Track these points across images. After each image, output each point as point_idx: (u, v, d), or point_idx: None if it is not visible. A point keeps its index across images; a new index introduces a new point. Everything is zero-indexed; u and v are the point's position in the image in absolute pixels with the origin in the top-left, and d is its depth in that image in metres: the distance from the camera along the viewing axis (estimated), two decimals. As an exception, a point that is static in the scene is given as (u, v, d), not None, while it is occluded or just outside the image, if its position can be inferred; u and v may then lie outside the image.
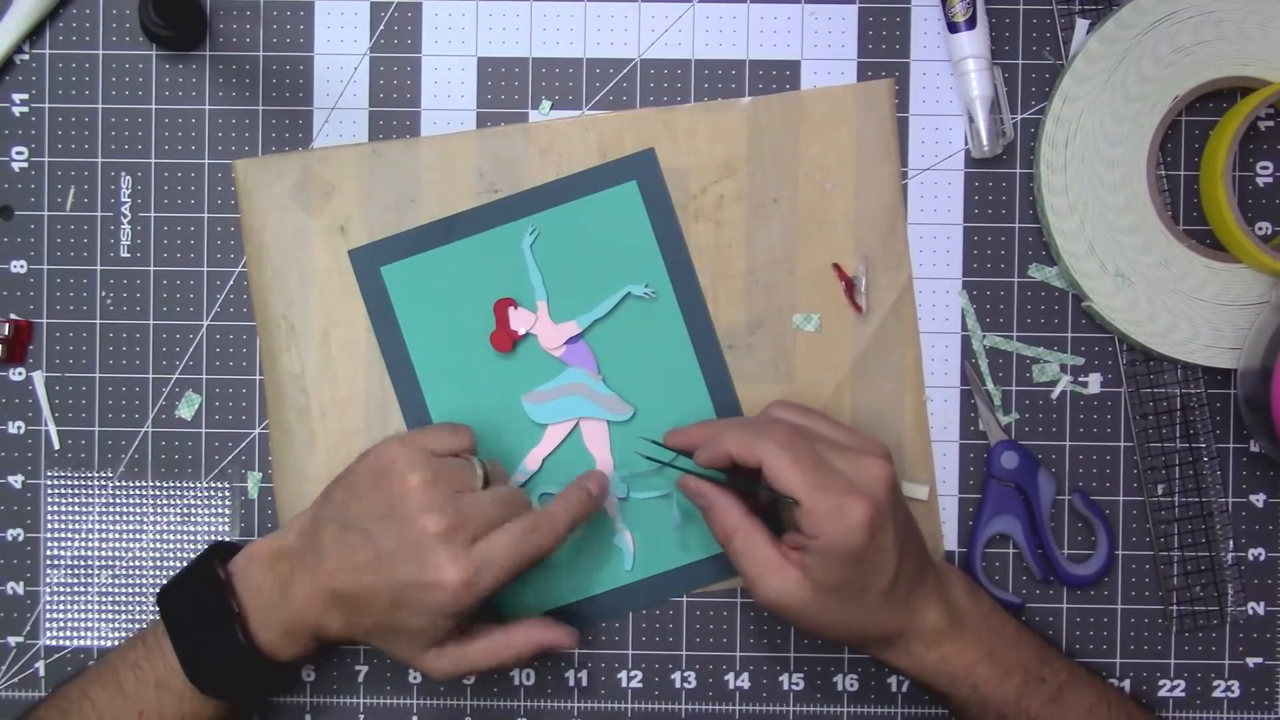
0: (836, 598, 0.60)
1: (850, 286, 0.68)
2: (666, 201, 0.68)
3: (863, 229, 0.68)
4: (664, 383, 0.68)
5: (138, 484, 0.69)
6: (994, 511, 0.68)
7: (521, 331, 0.68)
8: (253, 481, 0.69)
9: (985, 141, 0.67)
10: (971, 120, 0.67)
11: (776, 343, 0.68)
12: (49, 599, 0.70)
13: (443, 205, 0.68)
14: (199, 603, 0.62)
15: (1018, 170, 0.69)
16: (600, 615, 0.69)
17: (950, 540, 0.69)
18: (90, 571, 0.69)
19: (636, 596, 0.69)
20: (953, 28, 0.67)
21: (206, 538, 0.69)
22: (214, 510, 0.69)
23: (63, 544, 0.69)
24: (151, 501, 0.69)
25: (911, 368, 0.68)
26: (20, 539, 0.69)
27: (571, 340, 0.68)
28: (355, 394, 0.69)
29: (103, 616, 0.70)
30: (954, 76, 0.68)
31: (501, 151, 0.68)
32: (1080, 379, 0.69)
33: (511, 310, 0.68)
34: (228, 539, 0.69)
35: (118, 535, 0.69)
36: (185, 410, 0.69)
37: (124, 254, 0.70)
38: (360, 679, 0.70)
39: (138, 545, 0.69)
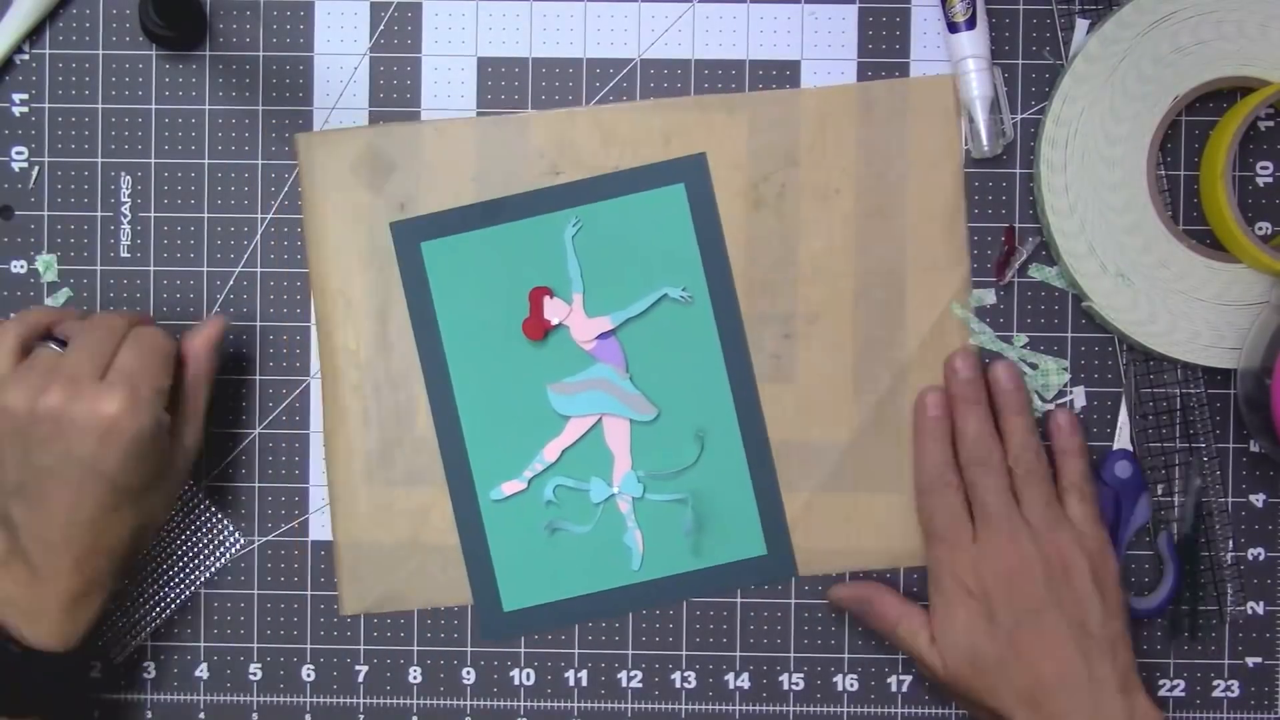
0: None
1: (1011, 253, 0.67)
2: (712, 207, 0.68)
3: (923, 224, 0.68)
4: (690, 387, 0.68)
5: (138, 484, 0.70)
6: None
7: (555, 321, 0.68)
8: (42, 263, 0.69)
9: (985, 141, 0.67)
10: (971, 120, 0.67)
11: (834, 332, 0.68)
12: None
13: (504, 186, 0.68)
14: None
15: (1018, 170, 0.69)
16: (605, 613, 0.69)
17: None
18: (90, 571, 0.69)
19: (642, 597, 0.69)
20: (953, 28, 0.67)
21: (207, 538, 0.70)
22: (215, 510, 0.69)
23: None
24: (152, 501, 0.69)
25: None
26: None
27: (603, 336, 0.68)
28: (411, 371, 0.69)
29: (104, 616, 0.69)
30: (954, 77, 0.68)
31: (564, 134, 0.68)
32: (1064, 398, 0.69)
33: (547, 299, 0.68)
34: (230, 531, 0.69)
35: (118, 535, 0.69)
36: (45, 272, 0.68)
37: (124, 254, 0.70)
38: (360, 679, 0.70)
39: (138, 545, 0.69)
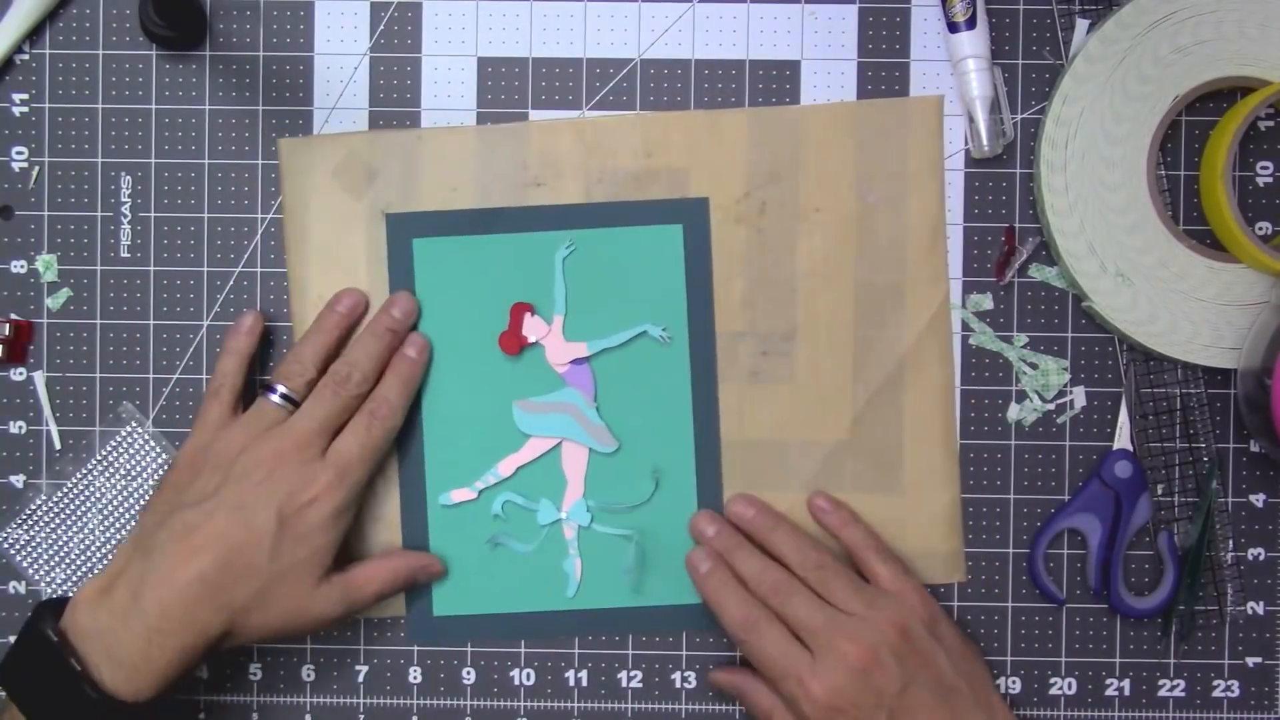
0: None
1: (1011, 253, 0.67)
2: (707, 252, 0.68)
3: (905, 242, 0.68)
4: (654, 426, 0.68)
5: (139, 483, 0.69)
6: (1081, 507, 0.68)
7: (532, 339, 0.68)
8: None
9: (985, 141, 0.67)
10: (971, 120, 0.67)
11: (812, 351, 0.68)
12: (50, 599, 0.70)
13: (484, 195, 0.68)
14: (38, 672, 0.58)
15: (1018, 170, 0.69)
16: (535, 634, 0.69)
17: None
18: (92, 571, 0.69)
19: (576, 624, 0.69)
20: (953, 28, 0.67)
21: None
22: (214, 510, 0.69)
23: (64, 543, 0.69)
24: (152, 501, 0.69)
25: (943, 385, 0.68)
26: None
27: (577, 361, 0.68)
28: None
29: (103, 616, 0.70)
30: (954, 76, 0.68)
31: (547, 144, 0.68)
32: (1061, 401, 0.69)
33: (528, 316, 0.68)
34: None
35: (119, 535, 0.69)
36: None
37: (124, 254, 0.70)
38: (360, 679, 0.70)
39: (138, 545, 0.69)
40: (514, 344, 0.68)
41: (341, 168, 0.68)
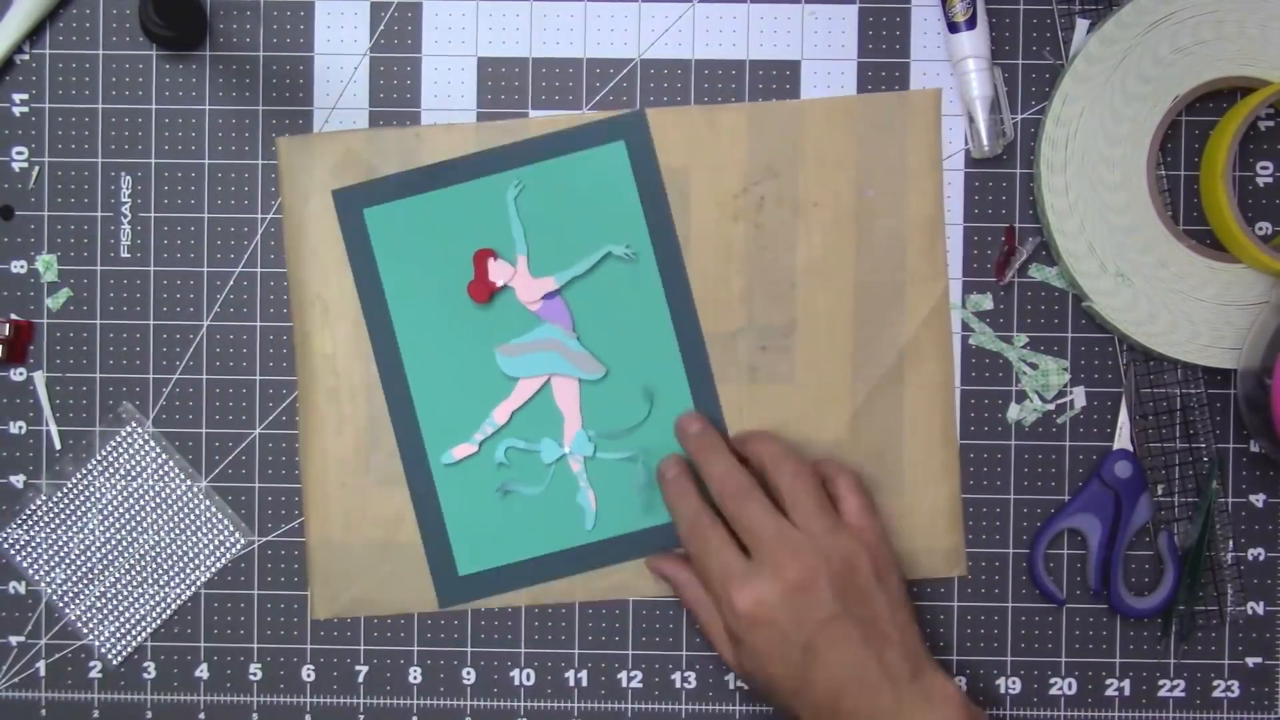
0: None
1: (1011, 253, 0.67)
2: (653, 164, 0.68)
3: (903, 238, 0.68)
4: (638, 344, 0.68)
5: (139, 483, 0.69)
6: (1081, 507, 0.68)
7: (500, 283, 0.68)
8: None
9: (985, 141, 0.67)
10: (971, 120, 0.67)
11: (811, 347, 0.68)
12: (50, 599, 0.70)
13: None
14: None
15: (1018, 170, 0.69)
16: (560, 573, 0.69)
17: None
18: (92, 571, 0.70)
19: (596, 556, 0.69)
20: (953, 28, 0.67)
21: (207, 538, 0.70)
22: (215, 510, 0.69)
23: (64, 543, 0.70)
24: (153, 501, 0.69)
25: (942, 382, 0.68)
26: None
27: (549, 296, 0.68)
28: None
29: (104, 616, 0.70)
30: (954, 77, 0.68)
31: None
32: (1061, 401, 0.69)
33: (491, 261, 0.68)
34: (231, 531, 0.69)
35: (119, 534, 0.69)
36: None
37: (124, 254, 0.70)
38: (360, 679, 0.70)
39: (139, 545, 0.70)
40: (483, 291, 0.68)
41: (340, 166, 0.68)
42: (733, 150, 0.68)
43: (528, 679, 0.70)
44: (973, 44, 0.67)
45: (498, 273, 0.68)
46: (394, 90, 0.69)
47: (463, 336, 0.68)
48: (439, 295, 0.68)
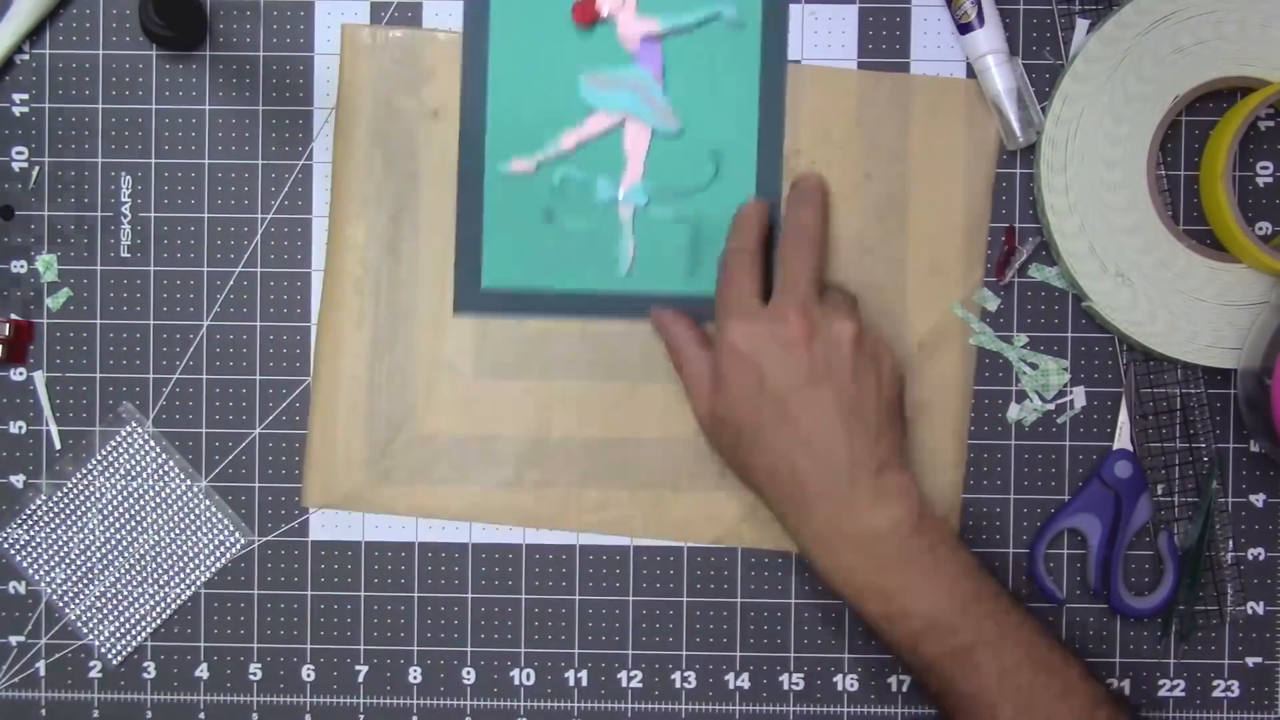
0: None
1: (1011, 253, 0.67)
2: None
3: (949, 223, 0.68)
4: (719, 112, 0.68)
5: (139, 483, 0.69)
6: (1081, 507, 0.68)
7: (605, 12, 0.67)
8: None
9: (1019, 133, 0.66)
10: (1001, 115, 0.66)
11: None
12: (50, 599, 0.70)
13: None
14: None
15: (1018, 170, 0.69)
16: (583, 311, 0.68)
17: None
18: (92, 571, 0.70)
19: (625, 306, 0.68)
20: (964, 29, 0.67)
21: (207, 538, 0.70)
22: (215, 510, 0.69)
23: (64, 543, 0.70)
24: (153, 501, 0.70)
25: (960, 367, 0.68)
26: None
27: (648, 40, 0.68)
28: (413, 281, 0.68)
29: (104, 616, 0.70)
30: (976, 75, 0.67)
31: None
32: (1061, 400, 0.69)
33: None
34: (231, 531, 0.69)
35: (119, 534, 0.69)
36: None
37: (124, 254, 0.70)
38: (360, 679, 0.70)
39: (139, 545, 0.70)
40: (588, 13, 0.67)
41: (400, 63, 0.68)
42: (793, 110, 0.68)
43: (528, 679, 0.70)
44: (988, 40, 0.66)
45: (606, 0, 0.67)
46: (394, 90, 0.69)
47: (554, 54, 0.68)
48: (543, 9, 0.68)
